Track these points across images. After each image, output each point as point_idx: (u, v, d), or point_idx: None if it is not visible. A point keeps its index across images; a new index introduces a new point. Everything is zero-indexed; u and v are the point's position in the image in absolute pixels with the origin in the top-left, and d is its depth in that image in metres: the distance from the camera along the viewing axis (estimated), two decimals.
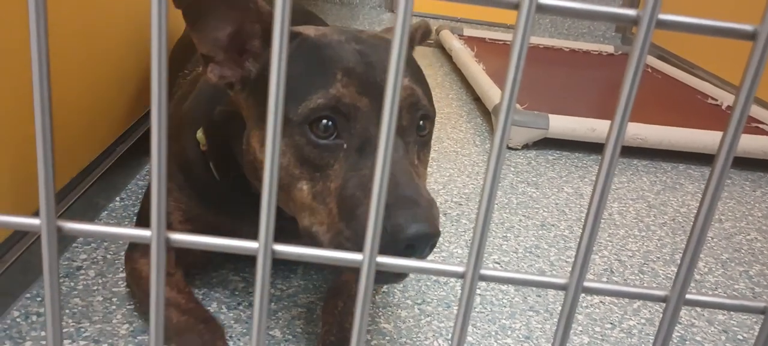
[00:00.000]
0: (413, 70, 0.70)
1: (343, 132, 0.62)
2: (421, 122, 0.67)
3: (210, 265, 0.96)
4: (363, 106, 0.62)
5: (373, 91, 0.62)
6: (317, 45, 0.65)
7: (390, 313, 0.91)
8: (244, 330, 0.83)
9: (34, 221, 0.29)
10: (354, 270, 0.64)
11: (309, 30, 0.68)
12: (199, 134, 0.79)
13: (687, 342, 0.92)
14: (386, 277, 0.63)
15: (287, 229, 0.68)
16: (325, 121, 0.61)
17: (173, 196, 0.83)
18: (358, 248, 0.61)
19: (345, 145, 0.62)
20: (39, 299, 0.83)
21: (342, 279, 0.87)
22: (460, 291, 0.97)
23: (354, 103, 0.61)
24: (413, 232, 0.55)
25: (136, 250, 0.86)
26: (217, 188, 0.80)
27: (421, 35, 0.83)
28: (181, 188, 0.83)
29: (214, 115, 0.75)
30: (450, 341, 0.85)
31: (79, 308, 0.83)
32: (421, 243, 0.56)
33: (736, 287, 1.09)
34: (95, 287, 0.87)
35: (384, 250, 0.56)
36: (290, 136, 0.62)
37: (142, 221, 0.88)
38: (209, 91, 0.79)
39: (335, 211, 0.60)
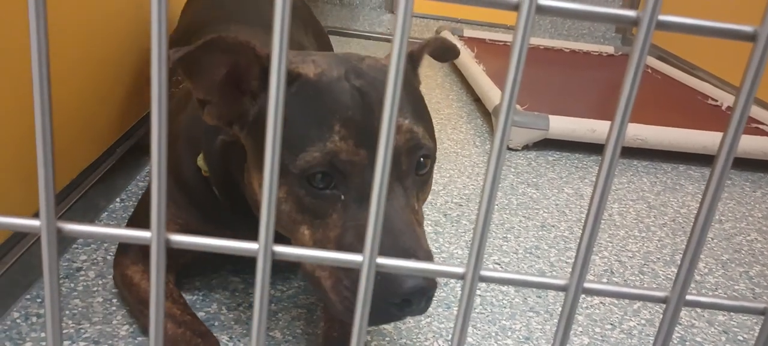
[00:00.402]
0: (414, 102, 0.67)
1: (341, 184, 0.62)
2: (421, 160, 0.65)
3: (208, 267, 0.96)
4: (360, 159, 0.61)
5: (371, 141, 0.61)
6: (316, 88, 0.64)
7: None
8: (244, 331, 0.83)
9: (34, 222, 0.29)
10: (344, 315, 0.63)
11: (308, 68, 0.65)
12: (201, 162, 0.78)
13: (687, 343, 0.92)
14: (379, 319, 0.62)
15: (285, 239, 0.68)
16: (321, 175, 0.61)
17: (170, 211, 0.83)
18: (347, 308, 0.61)
19: (342, 197, 0.62)
20: (39, 300, 0.83)
21: None
22: (460, 292, 0.97)
23: (350, 158, 0.61)
24: (410, 286, 0.56)
25: (127, 256, 0.84)
26: (217, 205, 0.80)
27: (434, 51, 0.79)
28: (178, 205, 0.82)
29: (215, 144, 0.74)
30: (450, 342, 0.85)
31: (79, 309, 0.83)
32: (418, 297, 0.57)
33: (737, 287, 1.09)
34: (95, 288, 0.87)
35: (380, 302, 0.57)
36: (289, 186, 0.62)
37: (134, 226, 0.88)
38: None
39: (327, 272, 0.62)
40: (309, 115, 0.62)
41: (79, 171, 1.01)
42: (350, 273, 0.59)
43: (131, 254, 0.84)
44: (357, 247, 0.59)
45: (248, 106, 0.66)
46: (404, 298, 0.56)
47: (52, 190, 0.28)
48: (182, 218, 0.82)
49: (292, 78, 0.64)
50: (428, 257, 0.59)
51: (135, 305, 0.81)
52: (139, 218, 0.89)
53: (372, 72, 0.66)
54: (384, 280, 0.56)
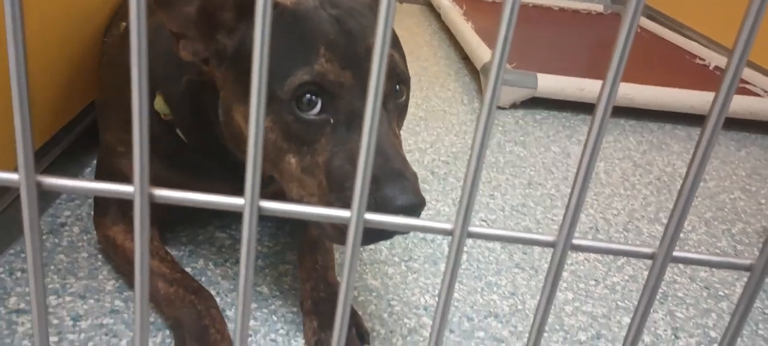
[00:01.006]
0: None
1: (329, 107, 0.62)
2: (397, 87, 0.67)
3: (195, 223, 0.95)
4: (347, 81, 0.62)
5: (355, 64, 0.62)
6: (295, 16, 0.64)
7: (377, 270, 0.91)
8: (231, 286, 0.83)
9: (13, 176, 0.28)
10: (320, 226, 0.65)
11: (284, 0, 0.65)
12: (159, 105, 0.76)
13: (669, 298, 0.94)
14: (372, 238, 0.64)
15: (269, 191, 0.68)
16: (310, 96, 0.61)
17: (127, 157, 0.81)
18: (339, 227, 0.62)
19: (331, 120, 0.62)
20: (23, 255, 0.83)
21: (311, 234, 0.87)
22: (446, 248, 0.98)
23: (338, 79, 0.61)
24: (402, 202, 0.57)
25: (106, 216, 0.83)
26: (182, 150, 0.78)
27: None
28: None
29: (179, 85, 0.72)
30: (437, 297, 0.85)
31: (64, 264, 0.83)
32: (410, 213, 0.58)
33: (719, 244, 1.11)
34: (80, 244, 0.87)
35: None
36: (277, 113, 0.62)
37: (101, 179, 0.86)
38: (162, 51, 0.74)
39: (325, 183, 0.61)
40: (292, 40, 0.62)
41: (61, 126, 0.99)
42: (340, 195, 0.60)
43: (111, 214, 0.83)
44: (348, 170, 0.60)
45: (225, 40, 0.65)
46: (396, 214, 0.57)
47: (31, 142, 0.28)
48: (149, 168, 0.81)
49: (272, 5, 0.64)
50: (414, 176, 0.61)
51: (122, 265, 0.81)
52: (101, 175, 0.87)
53: (347, 1, 0.67)
54: (376, 199, 0.57)
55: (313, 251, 0.84)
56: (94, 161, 1.07)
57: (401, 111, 0.69)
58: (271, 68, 0.60)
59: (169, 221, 0.92)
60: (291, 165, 0.64)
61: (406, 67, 0.70)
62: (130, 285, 0.80)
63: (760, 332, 0.89)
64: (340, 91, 0.62)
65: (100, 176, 0.87)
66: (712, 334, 0.87)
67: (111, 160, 0.84)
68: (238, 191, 0.30)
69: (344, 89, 0.62)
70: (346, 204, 0.59)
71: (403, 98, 0.68)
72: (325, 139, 0.62)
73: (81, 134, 1.04)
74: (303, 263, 0.83)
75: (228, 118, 0.67)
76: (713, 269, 1.02)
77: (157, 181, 0.88)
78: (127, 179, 0.81)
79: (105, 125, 0.87)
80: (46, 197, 0.95)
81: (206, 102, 0.71)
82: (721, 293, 0.97)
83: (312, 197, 0.63)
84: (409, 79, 0.69)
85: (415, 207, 0.58)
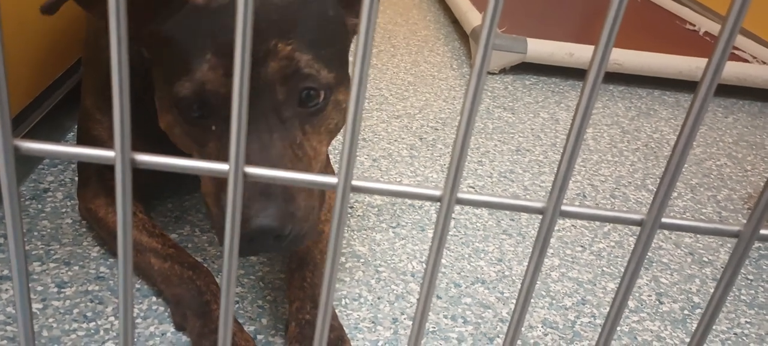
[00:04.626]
0: (316, 28, 0.63)
1: (211, 114, 0.61)
2: (305, 93, 0.62)
3: (183, 190, 0.94)
4: (229, 90, 0.60)
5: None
6: (200, 13, 0.61)
7: (365, 236, 0.91)
8: (218, 253, 0.83)
9: None
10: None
11: None
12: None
13: (654, 264, 0.95)
14: (244, 249, 0.62)
15: None
16: (196, 104, 0.61)
17: (103, 124, 0.81)
18: (222, 229, 0.61)
19: (213, 127, 0.62)
20: (5, 220, 0.82)
21: (300, 250, 0.78)
22: (434, 215, 0.98)
23: (217, 89, 0.60)
24: (257, 224, 0.57)
25: (87, 188, 0.81)
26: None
27: None
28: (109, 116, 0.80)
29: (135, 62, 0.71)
30: (424, 263, 0.86)
31: (48, 230, 0.82)
32: (262, 236, 0.58)
33: (704, 211, 1.12)
34: (64, 210, 0.86)
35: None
36: (172, 114, 0.64)
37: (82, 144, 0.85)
38: None
39: (211, 188, 0.63)
40: (188, 42, 0.61)
41: (42, 89, 0.97)
42: (219, 204, 0.61)
43: (92, 186, 0.81)
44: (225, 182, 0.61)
45: (144, 32, 0.65)
46: (250, 237, 0.58)
47: (7, 105, 0.27)
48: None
49: (180, 4, 0.62)
50: (287, 200, 0.59)
51: (106, 237, 0.80)
52: (81, 142, 0.85)
53: None
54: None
55: (301, 267, 0.76)
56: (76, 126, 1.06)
57: (313, 118, 0.64)
58: (169, 68, 0.62)
59: (155, 190, 0.90)
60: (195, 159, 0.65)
61: (332, 67, 0.64)
62: (115, 255, 0.79)
63: (743, 297, 0.90)
64: (219, 102, 0.60)
65: (79, 143, 0.86)
66: (696, 299, 0.89)
67: (88, 126, 0.82)
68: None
69: (225, 99, 0.60)
70: (222, 218, 0.60)
71: (318, 104, 0.63)
72: (212, 143, 0.62)
73: (66, 96, 1.02)
74: (291, 282, 0.75)
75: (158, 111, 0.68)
76: (698, 236, 1.03)
77: (135, 147, 0.86)
78: (104, 148, 0.80)
79: (85, 87, 0.85)
80: (27, 163, 0.94)
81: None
82: (705, 259, 0.98)
83: (209, 198, 0.64)
84: (330, 84, 0.63)
85: (271, 230, 0.57)
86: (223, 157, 0.61)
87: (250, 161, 0.59)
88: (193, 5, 0.61)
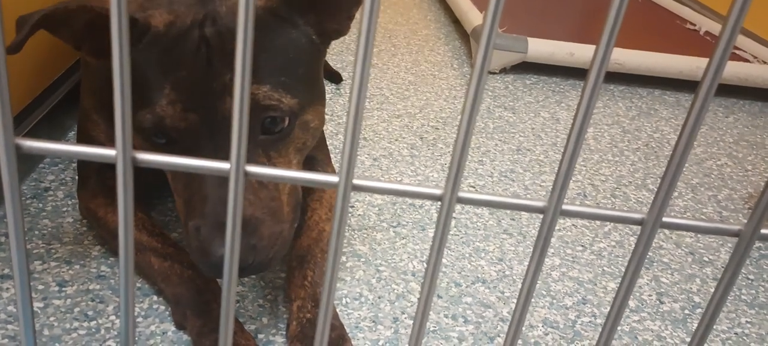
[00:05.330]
0: (275, 55, 0.63)
1: (174, 143, 0.62)
2: (269, 121, 0.62)
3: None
4: (189, 124, 0.60)
5: (205, 101, 0.60)
6: (160, 44, 0.61)
7: (365, 235, 0.91)
8: None
9: None
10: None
11: (161, 17, 0.62)
12: None
13: (655, 263, 0.95)
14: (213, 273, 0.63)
15: None
16: (156, 133, 0.62)
17: (100, 126, 0.81)
18: (192, 250, 0.62)
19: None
20: (6, 219, 0.82)
21: (300, 246, 0.77)
22: (435, 214, 0.98)
23: (176, 124, 0.60)
24: (219, 256, 0.59)
25: (87, 187, 0.81)
26: None
27: None
28: (108, 123, 0.81)
29: None
30: (425, 263, 0.86)
31: (49, 229, 0.82)
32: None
33: (705, 211, 1.12)
34: (65, 209, 0.86)
35: (203, 261, 0.61)
36: (138, 139, 0.64)
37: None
38: None
39: (182, 209, 0.64)
40: (149, 72, 0.61)
41: (43, 88, 0.97)
42: (190, 234, 0.62)
43: (91, 186, 0.81)
44: (195, 205, 0.62)
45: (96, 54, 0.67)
46: (213, 264, 0.60)
47: (9, 103, 0.27)
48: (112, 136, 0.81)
49: (143, 31, 0.61)
50: (249, 227, 0.60)
51: (106, 236, 0.79)
52: (80, 142, 0.86)
53: (231, 16, 0.62)
54: (201, 244, 0.60)
55: (301, 266, 0.75)
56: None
57: (278, 143, 0.64)
58: (133, 96, 0.62)
59: (155, 190, 0.90)
60: (167, 178, 0.67)
61: (298, 92, 0.63)
62: (116, 254, 0.80)
63: (743, 296, 0.90)
64: (180, 135, 0.61)
65: (79, 143, 0.86)
66: (696, 299, 0.89)
67: (86, 126, 0.83)
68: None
69: (186, 133, 0.61)
70: (192, 238, 0.61)
71: (283, 129, 0.63)
72: (175, 171, 0.63)
73: (67, 95, 1.02)
74: (291, 280, 0.74)
75: None
76: (698, 235, 1.03)
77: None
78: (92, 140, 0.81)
79: (83, 89, 0.85)
80: (28, 162, 0.94)
81: None
82: (705, 259, 0.98)
83: (180, 214, 0.65)
84: (292, 107, 0.63)
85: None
86: (194, 181, 0.62)
87: (208, 200, 0.61)
88: (156, 31, 0.61)
